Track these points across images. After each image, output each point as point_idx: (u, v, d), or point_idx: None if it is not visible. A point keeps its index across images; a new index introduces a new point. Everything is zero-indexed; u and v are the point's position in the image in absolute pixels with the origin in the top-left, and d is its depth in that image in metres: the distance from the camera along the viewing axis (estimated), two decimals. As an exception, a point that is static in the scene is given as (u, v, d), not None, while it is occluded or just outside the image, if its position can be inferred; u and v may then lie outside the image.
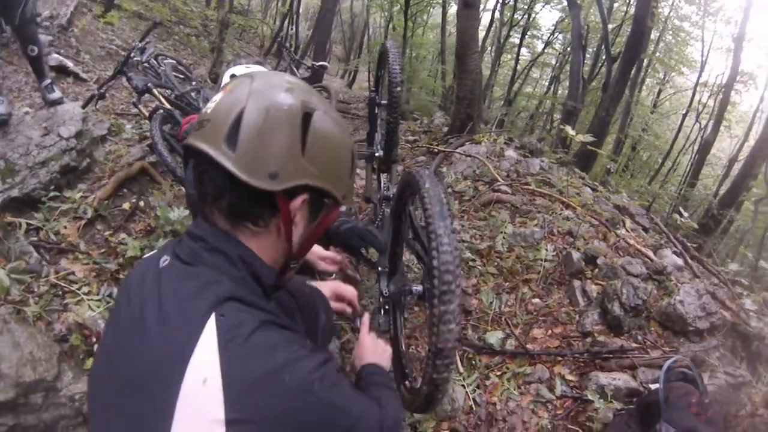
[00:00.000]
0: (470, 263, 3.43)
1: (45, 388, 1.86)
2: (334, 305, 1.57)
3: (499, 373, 2.51)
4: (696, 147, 13.56)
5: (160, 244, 2.67)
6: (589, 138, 4.40)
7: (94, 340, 2.18)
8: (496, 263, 3.47)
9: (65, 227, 2.76)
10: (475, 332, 2.81)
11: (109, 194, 3.13)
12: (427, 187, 1.54)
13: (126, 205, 3.07)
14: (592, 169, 6.05)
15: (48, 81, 3.86)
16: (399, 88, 2.78)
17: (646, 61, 11.85)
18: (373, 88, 3.67)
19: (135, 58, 4.26)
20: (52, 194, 2.92)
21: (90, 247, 2.74)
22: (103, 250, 2.70)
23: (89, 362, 2.06)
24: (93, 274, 2.51)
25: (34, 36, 3.72)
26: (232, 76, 1.96)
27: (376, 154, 3.32)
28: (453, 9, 19.29)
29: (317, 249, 2.01)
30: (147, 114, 3.67)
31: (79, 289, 2.37)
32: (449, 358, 1.36)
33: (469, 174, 5.48)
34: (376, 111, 3.36)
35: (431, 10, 17.62)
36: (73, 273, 2.48)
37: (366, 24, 21.93)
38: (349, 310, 1.62)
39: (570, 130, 4.41)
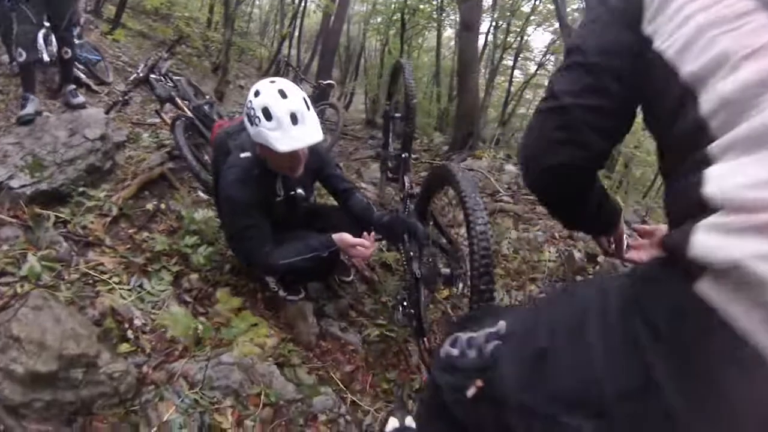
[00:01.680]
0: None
1: (86, 364, 1.90)
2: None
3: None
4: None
5: (187, 242, 2.76)
6: None
7: (126, 326, 2.25)
8: (503, 265, 3.57)
9: (92, 222, 2.84)
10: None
11: (133, 194, 3.22)
12: (460, 174, 1.94)
13: (149, 206, 3.15)
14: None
15: (73, 86, 3.99)
16: (415, 100, 3.12)
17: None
18: (387, 102, 3.92)
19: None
20: (81, 190, 3.02)
21: (115, 242, 2.81)
22: (128, 246, 2.77)
23: (122, 346, 2.12)
24: (122, 266, 2.58)
25: (70, 40, 3.90)
26: (257, 92, 2.10)
27: (390, 164, 3.59)
28: (448, 32, 19.74)
29: (348, 237, 2.15)
30: (169, 122, 3.78)
31: (109, 278, 2.44)
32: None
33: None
34: (390, 124, 3.69)
35: (426, 33, 17.93)
36: (102, 264, 2.54)
37: (362, 47, 22.23)
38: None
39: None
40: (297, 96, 2.09)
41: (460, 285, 2.08)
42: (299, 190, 2.47)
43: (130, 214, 3.08)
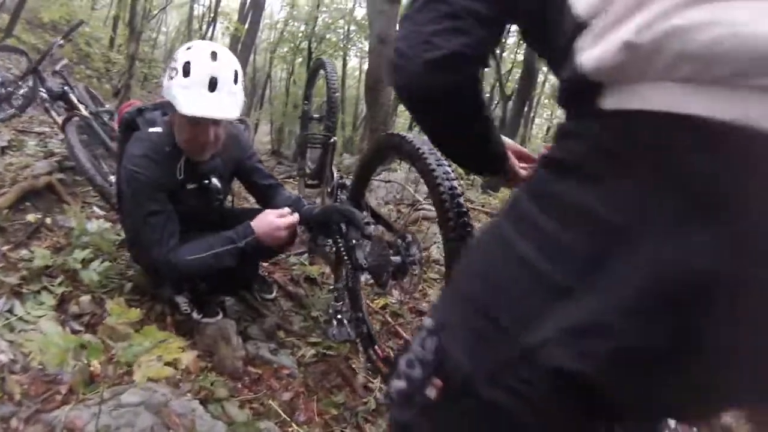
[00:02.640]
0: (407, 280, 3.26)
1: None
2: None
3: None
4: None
5: (76, 256, 2.17)
6: None
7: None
8: (436, 269, 3.30)
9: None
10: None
11: (10, 204, 2.56)
12: (408, 135, 1.69)
13: (30, 217, 2.52)
14: (499, 192, 6.34)
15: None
16: (337, 94, 3.08)
17: (535, 101, 12.77)
18: (305, 102, 3.76)
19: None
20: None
21: (-20, 262, 2.17)
22: (1, 265, 2.15)
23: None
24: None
25: None
26: (189, 47, 1.81)
27: (308, 170, 3.36)
28: (353, 62, 19.79)
29: (267, 215, 1.93)
30: (60, 121, 3.18)
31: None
32: None
33: (390, 199, 5.42)
34: (308, 126, 3.51)
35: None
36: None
37: (268, 77, 21.74)
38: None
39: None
40: (228, 64, 1.77)
41: (415, 272, 1.78)
42: (214, 180, 2.03)
43: (5, 227, 2.44)
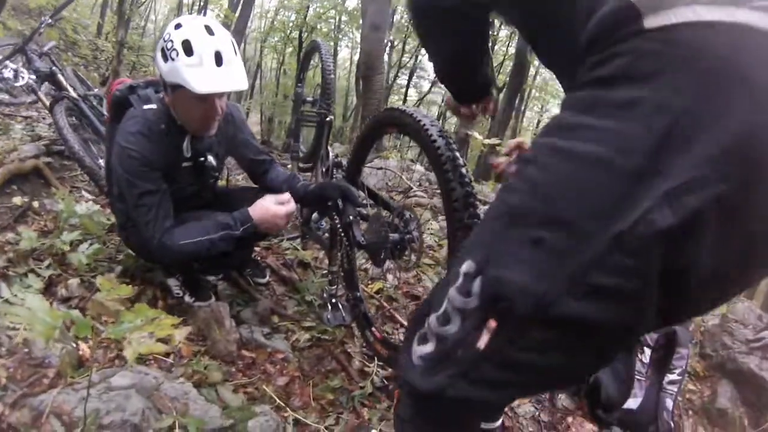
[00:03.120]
0: (405, 258, 3.19)
1: None
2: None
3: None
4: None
5: (64, 238, 2.08)
6: (495, 141, 5.00)
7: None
8: (430, 255, 3.26)
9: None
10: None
11: (-4, 186, 2.47)
12: (408, 109, 1.62)
13: (17, 200, 2.43)
14: (489, 180, 6.33)
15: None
16: (332, 76, 2.96)
17: (526, 94, 12.77)
18: (299, 84, 3.66)
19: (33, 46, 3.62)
20: None
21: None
22: (-15, 249, 2.06)
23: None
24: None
25: None
26: (178, 25, 1.72)
27: (301, 154, 3.35)
28: (343, 52, 19.58)
29: (266, 202, 1.86)
30: (47, 103, 3.07)
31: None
32: None
33: (383, 186, 5.38)
34: (301, 108, 3.34)
35: (323, 52, 17.68)
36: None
37: (258, 66, 21.51)
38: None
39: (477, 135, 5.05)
40: (225, 36, 1.71)
41: (412, 253, 1.70)
42: (210, 158, 1.97)
43: (-9, 211, 2.35)
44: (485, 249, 0.75)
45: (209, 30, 1.66)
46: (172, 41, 1.64)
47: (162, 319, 1.08)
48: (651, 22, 0.64)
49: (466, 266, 0.75)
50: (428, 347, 0.79)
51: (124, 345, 1.02)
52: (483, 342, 0.71)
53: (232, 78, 1.68)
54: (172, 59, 1.63)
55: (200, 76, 1.62)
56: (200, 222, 1.82)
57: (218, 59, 1.64)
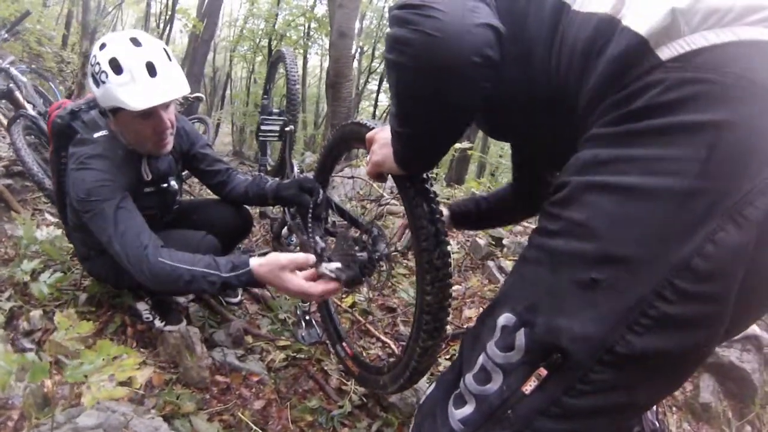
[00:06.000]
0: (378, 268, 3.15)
1: None
2: None
3: (447, 357, 2.18)
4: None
5: (25, 267, 1.98)
6: (466, 144, 5.02)
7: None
8: (404, 264, 3.23)
9: None
10: (406, 326, 2.47)
11: (-51, 215, 2.35)
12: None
13: (-28, 227, 2.32)
14: (463, 184, 6.31)
15: None
16: (297, 86, 2.96)
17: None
18: (265, 96, 3.60)
19: None
20: None
21: None
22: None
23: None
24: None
25: None
26: (102, 45, 1.59)
27: (269, 168, 3.29)
28: (313, 60, 19.48)
29: (282, 261, 1.42)
30: (5, 122, 2.95)
31: None
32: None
33: (354, 195, 5.34)
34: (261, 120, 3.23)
35: (293, 60, 17.54)
36: None
37: (228, 76, 21.21)
38: None
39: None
40: (154, 44, 1.61)
41: (383, 268, 1.58)
42: (173, 182, 1.90)
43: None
44: (528, 298, 0.72)
45: (135, 42, 1.56)
46: (99, 63, 1.54)
47: (124, 359, 1.02)
48: (665, 53, 0.66)
49: (504, 319, 0.72)
50: (467, 409, 0.76)
51: (83, 390, 0.96)
52: (534, 397, 0.69)
53: (171, 86, 1.58)
54: (103, 82, 1.54)
55: (135, 93, 1.52)
56: (191, 255, 1.53)
57: (151, 70, 1.54)
